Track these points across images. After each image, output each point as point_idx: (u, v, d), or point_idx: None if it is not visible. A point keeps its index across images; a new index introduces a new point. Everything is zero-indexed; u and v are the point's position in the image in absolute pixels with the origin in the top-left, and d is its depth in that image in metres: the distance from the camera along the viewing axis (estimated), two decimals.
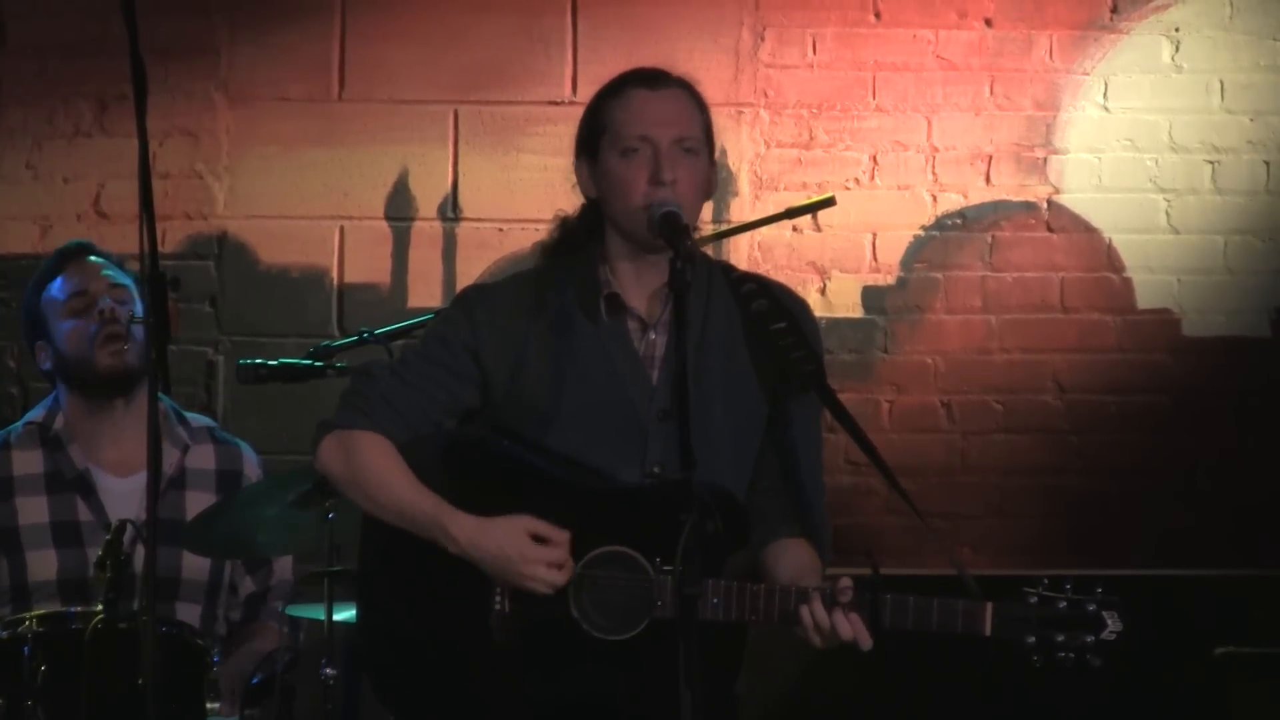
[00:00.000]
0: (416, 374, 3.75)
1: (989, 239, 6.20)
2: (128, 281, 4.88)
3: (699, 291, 3.73)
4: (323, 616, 4.57)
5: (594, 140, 3.74)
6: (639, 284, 3.76)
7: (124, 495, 4.78)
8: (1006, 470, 6.18)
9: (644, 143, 3.69)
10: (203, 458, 4.96)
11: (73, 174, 6.05)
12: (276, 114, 6.09)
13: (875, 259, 6.18)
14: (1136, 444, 6.18)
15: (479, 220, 6.11)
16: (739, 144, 6.09)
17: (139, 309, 4.79)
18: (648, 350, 3.74)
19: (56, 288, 4.88)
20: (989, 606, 3.58)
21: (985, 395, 6.19)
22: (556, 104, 6.10)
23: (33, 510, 4.81)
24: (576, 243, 3.82)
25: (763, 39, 6.17)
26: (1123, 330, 6.20)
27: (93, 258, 4.92)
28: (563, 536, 3.60)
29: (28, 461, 4.86)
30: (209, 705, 4.35)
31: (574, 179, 3.82)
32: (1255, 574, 5.93)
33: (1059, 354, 6.20)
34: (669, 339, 3.72)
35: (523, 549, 3.59)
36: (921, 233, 6.20)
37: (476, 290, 3.88)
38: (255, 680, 4.58)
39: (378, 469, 3.70)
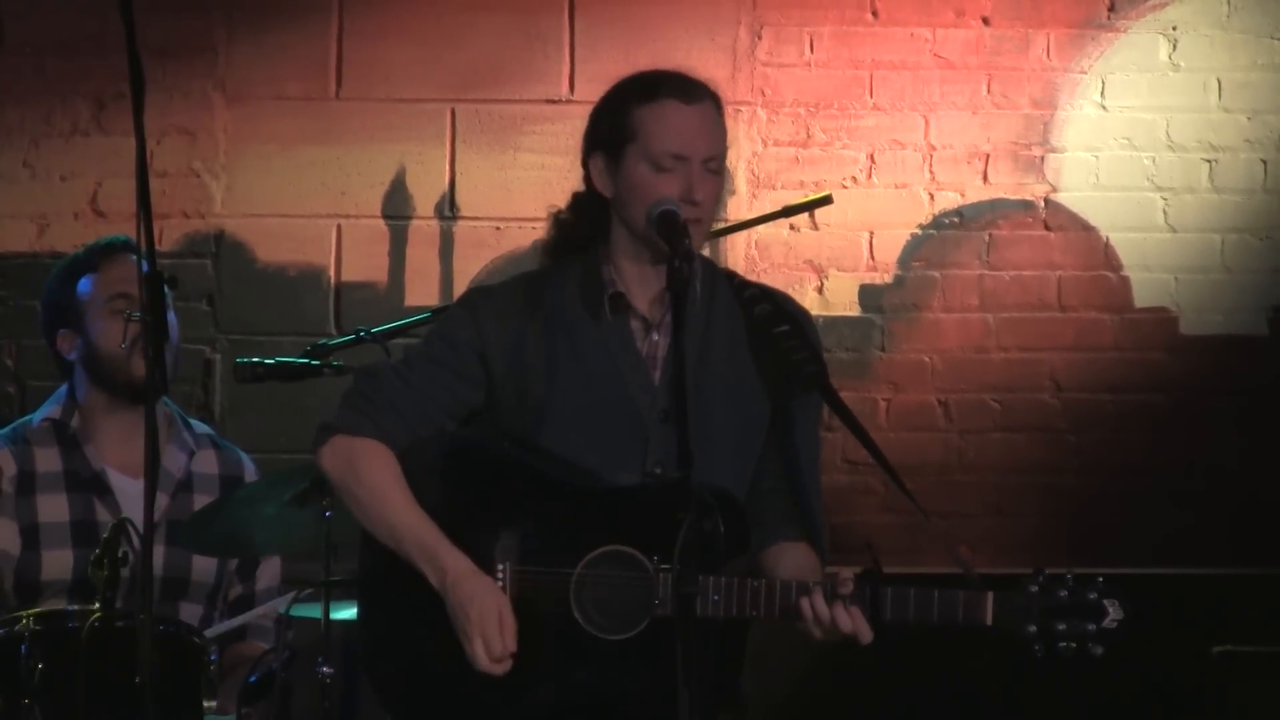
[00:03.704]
0: (421, 375, 3.74)
1: (986, 237, 6.20)
2: (167, 289, 4.84)
3: (703, 294, 3.73)
4: (319, 615, 4.56)
5: (619, 141, 3.71)
6: (643, 285, 3.75)
7: (138, 496, 4.75)
8: (1004, 469, 6.18)
9: (677, 161, 3.67)
10: (206, 463, 4.96)
11: (70, 172, 6.05)
12: (274, 112, 6.09)
13: (872, 257, 6.17)
14: (1134, 443, 6.18)
15: (476, 219, 6.11)
16: (736, 142, 6.08)
17: (172, 316, 4.78)
18: (650, 350, 3.74)
19: (97, 282, 4.83)
20: (990, 596, 3.58)
21: (983, 394, 6.19)
22: (554, 103, 6.10)
23: (53, 508, 4.80)
24: (581, 241, 3.81)
25: (760, 37, 6.17)
26: (1120, 329, 6.20)
27: (137, 258, 4.87)
28: (513, 645, 3.58)
29: (47, 459, 4.85)
30: (206, 704, 4.35)
31: (570, 176, 3.81)
32: (1254, 573, 5.93)
33: (1056, 352, 6.20)
34: (672, 340, 3.71)
35: (485, 619, 3.58)
36: (919, 231, 6.19)
37: (481, 291, 3.88)
38: (252, 679, 4.58)
39: (378, 485, 3.69)
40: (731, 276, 3.87)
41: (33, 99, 6.04)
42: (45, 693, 4.15)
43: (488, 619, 3.58)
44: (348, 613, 4.48)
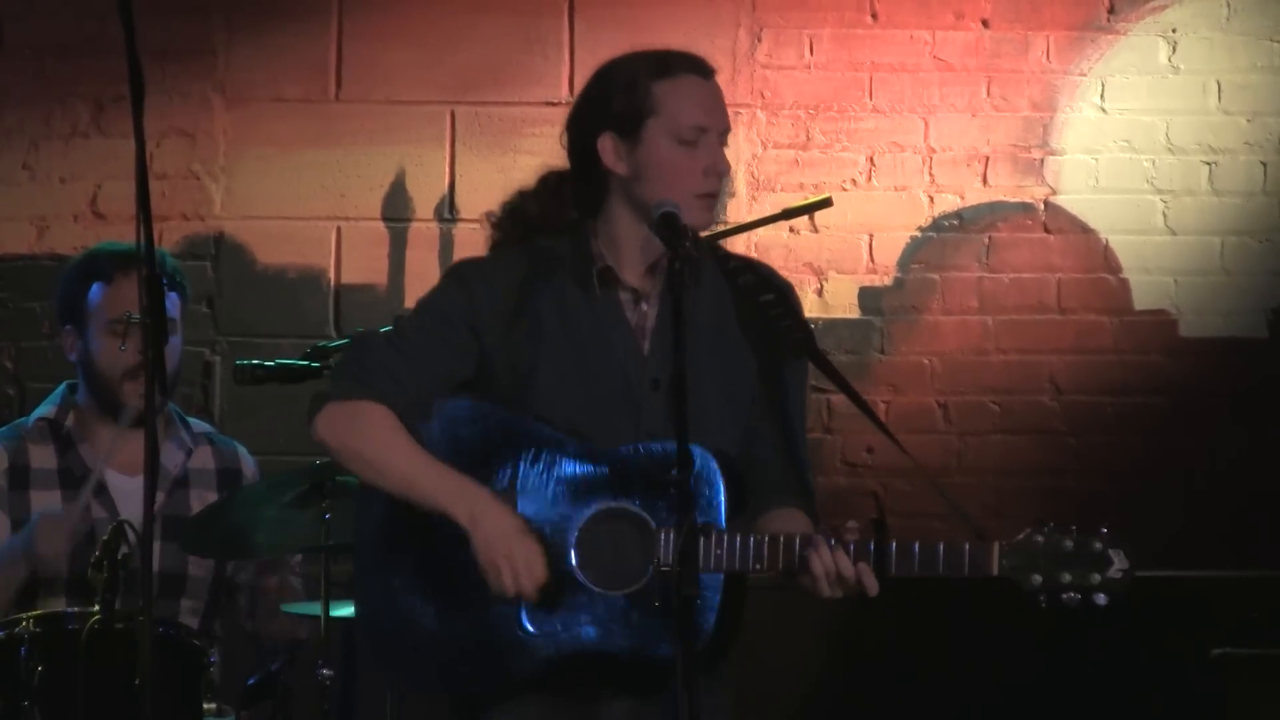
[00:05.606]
0: (413, 346, 3.74)
1: (986, 240, 6.20)
2: (175, 313, 4.85)
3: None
4: (319, 613, 4.56)
5: (637, 118, 3.72)
6: (634, 258, 3.77)
7: (134, 494, 4.77)
8: (1003, 471, 6.18)
9: (702, 134, 3.72)
10: (204, 459, 4.98)
11: (70, 175, 6.05)
12: (273, 115, 6.09)
13: (872, 260, 6.18)
14: (1133, 445, 6.18)
15: (476, 221, 6.05)
16: (736, 145, 6.08)
17: (177, 341, 4.77)
18: (639, 321, 3.76)
19: (105, 295, 4.82)
20: (996, 545, 3.59)
21: (982, 396, 6.19)
22: (553, 105, 6.10)
23: (46, 505, 4.81)
24: (566, 225, 3.83)
25: (759, 40, 6.17)
26: (1119, 331, 6.20)
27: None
28: (545, 577, 3.60)
29: (42, 457, 4.86)
30: (205, 706, 4.35)
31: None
32: (1252, 575, 5.93)
33: (1056, 355, 6.20)
34: (660, 310, 3.73)
35: (527, 541, 3.59)
36: (918, 234, 6.20)
37: (471, 264, 3.91)
38: (252, 681, 4.59)
39: (384, 437, 3.68)
40: (715, 248, 3.89)
41: (32, 101, 6.04)
42: (45, 694, 4.16)
43: (530, 548, 3.58)
44: (347, 610, 4.49)
